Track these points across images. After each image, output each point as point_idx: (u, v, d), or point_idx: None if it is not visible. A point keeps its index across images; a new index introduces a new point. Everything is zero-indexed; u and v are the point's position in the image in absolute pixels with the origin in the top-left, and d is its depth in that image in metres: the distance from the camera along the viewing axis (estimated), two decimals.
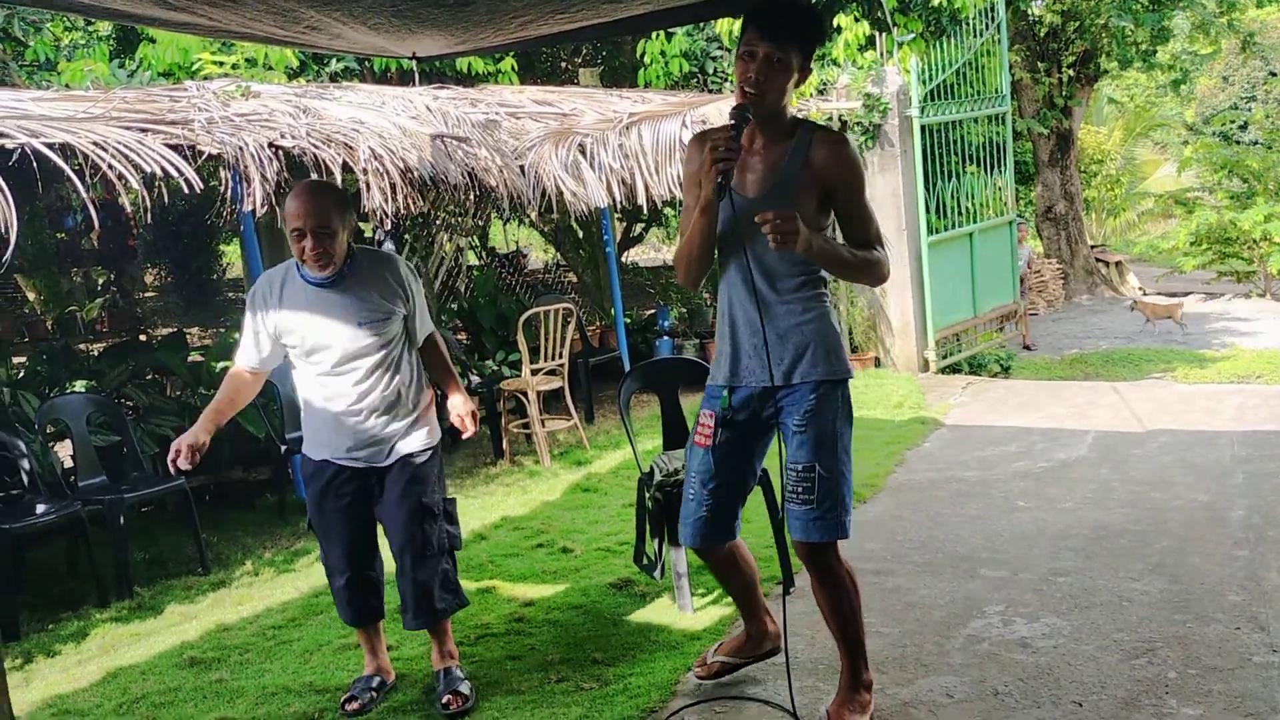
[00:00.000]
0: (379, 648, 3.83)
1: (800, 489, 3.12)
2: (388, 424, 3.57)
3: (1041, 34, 14.71)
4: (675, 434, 4.85)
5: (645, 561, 4.57)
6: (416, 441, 3.62)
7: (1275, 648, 3.64)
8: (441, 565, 3.64)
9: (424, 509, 3.59)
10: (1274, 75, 22.15)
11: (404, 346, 3.63)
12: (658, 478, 4.41)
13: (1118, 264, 16.39)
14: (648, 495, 4.51)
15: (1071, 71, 14.90)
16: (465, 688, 3.67)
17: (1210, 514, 5.10)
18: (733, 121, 3.03)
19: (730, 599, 4.38)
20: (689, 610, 4.25)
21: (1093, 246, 16.82)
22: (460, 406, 3.74)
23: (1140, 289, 15.97)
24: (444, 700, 3.62)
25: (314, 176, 5.56)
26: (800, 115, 3.32)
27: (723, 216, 3.10)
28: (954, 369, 9.57)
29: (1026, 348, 11.68)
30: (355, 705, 3.66)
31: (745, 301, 3.15)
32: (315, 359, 3.54)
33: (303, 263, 3.47)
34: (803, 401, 3.13)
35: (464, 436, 3.77)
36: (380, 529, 3.71)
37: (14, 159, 4.60)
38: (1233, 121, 22.18)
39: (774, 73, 3.01)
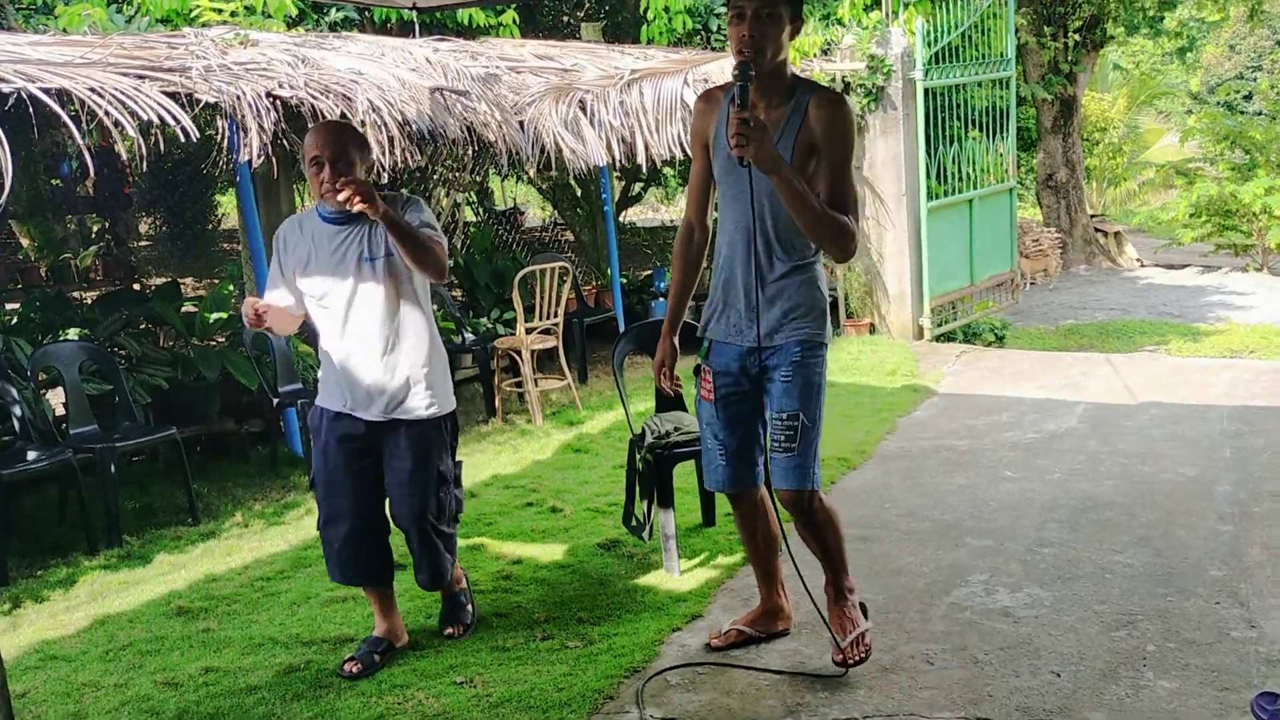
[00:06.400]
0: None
1: (783, 437, 3.22)
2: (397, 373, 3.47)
3: None
4: (667, 396, 4.83)
5: (634, 523, 4.60)
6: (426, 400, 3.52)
7: (1253, 623, 3.68)
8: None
9: (440, 476, 3.58)
10: None
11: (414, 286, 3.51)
12: (649, 440, 4.42)
13: (1116, 234, 16.33)
14: (638, 457, 4.53)
15: (1078, 36, 14.74)
16: (466, 616, 3.88)
17: (1197, 488, 5.12)
18: (738, 81, 3.00)
19: (722, 566, 4.41)
20: (676, 572, 4.28)
21: (1092, 216, 16.75)
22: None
23: (1138, 260, 15.92)
24: (446, 632, 3.83)
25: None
26: (802, 75, 3.34)
27: (729, 177, 3.20)
28: (949, 337, 9.57)
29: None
30: (356, 668, 3.53)
31: (744, 261, 3.22)
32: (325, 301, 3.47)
33: (321, 197, 3.40)
34: (789, 355, 3.22)
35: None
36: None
37: (9, 103, 4.55)
38: (1238, 91, 22.02)
39: (766, 27, 3.04)
